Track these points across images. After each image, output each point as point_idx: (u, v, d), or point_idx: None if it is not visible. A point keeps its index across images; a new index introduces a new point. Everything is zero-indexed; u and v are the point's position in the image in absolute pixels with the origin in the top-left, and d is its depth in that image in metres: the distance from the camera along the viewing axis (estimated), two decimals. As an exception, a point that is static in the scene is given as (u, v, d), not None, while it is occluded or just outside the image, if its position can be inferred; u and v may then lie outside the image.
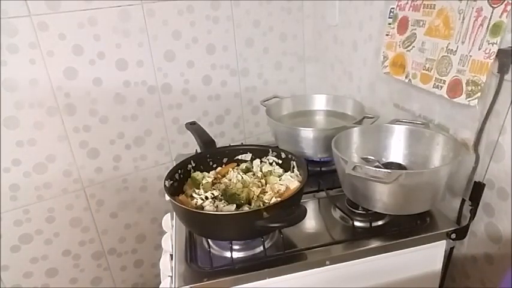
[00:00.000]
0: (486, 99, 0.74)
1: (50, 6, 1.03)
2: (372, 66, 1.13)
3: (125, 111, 1.24)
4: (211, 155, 0.91)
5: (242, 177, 0.84)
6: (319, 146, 0.96)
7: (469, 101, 0.75)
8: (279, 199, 0.75)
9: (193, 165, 0.88)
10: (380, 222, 0.81)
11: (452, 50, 0.79)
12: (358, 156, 0.88)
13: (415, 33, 0.90)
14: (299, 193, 0.74)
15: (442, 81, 0.82)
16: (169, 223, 0.93)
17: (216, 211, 0.74)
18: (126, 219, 1.37)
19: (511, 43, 0.69)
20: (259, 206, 0.75)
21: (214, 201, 0.77)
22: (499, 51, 0.69)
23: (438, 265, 0.82)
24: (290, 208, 0.68)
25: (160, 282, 0.81)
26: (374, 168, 0.70)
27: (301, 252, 0.74)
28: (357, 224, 0.80)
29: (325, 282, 0.76)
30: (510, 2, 0.66)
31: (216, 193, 0.79)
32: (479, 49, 0.72)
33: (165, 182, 0.78)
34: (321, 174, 0.99)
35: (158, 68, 1.25)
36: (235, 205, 0.75)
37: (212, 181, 0.85)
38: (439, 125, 0.88)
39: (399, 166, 0.84)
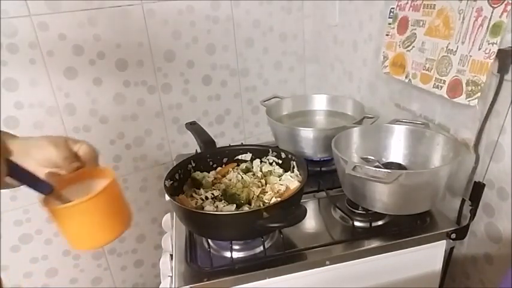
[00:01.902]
0: (486, 99, 0.74)
1: (50, 6, 1.03)
2: (372, 66, 1.13)
3: (125, 111, 1.24)
4: (211, 155, 0.91)
5: (242, 177, 0.84)
6: (319, 146, 0.96)
7: (469, 101, 0.75)
8: (279, 199, 0.75)
9: (193, 165, 0.88)
10: (380, 222, 0.81)
11: (452, 50, 0.79)
12: (358, 156, 0.87)
13: (415, 33, 0.90)
14: (299, 193, 0.74)
15: (442, 81, 0.81)
16: (169, 223, 0.93)
17: (216, 211, 0.74)
18: (126, 219, 1.37)
19: (511, 43, 0.69)
20: (259, 206, 0.75)
21: (214, 201, 0.77)
22: (499, 51, 0.69)
23: (438, 265, 0.82)
24: (290, 208, 0.68)
25: (160, 282, 0.81)
26: (374, 168, 0.70)
27: (301, 252, 0.74)
28: (357, 224, 0.80)
29: (325, 282, 0.75)
30: (510, 2, 0.66)
31: (216, 193, 0.79)
32: (479, 49, 0.72)
33: (165, 182, 0.78)
34: (321, 174, 0.99)
35: (158, 68, 1.25)
36: (235, 205, 0.75)
37: (212, 181, 0.85)
38: (439, 125, 0.88)
39: (399, 166, 0.84)
